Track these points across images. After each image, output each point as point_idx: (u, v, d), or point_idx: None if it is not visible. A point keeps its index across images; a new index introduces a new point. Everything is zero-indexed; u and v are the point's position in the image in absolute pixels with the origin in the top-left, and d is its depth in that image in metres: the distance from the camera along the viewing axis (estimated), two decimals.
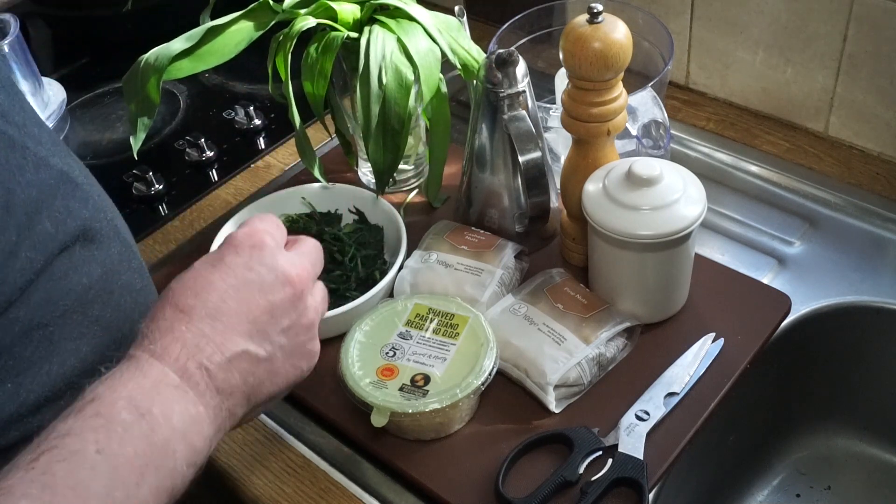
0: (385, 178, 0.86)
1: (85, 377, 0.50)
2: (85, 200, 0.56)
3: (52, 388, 0.51)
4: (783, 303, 0.82)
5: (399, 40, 0.82)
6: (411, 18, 0.84)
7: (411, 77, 0.81)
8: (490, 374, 0.73)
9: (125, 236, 0.60)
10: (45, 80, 1.22)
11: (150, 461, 0.48)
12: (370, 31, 0.82)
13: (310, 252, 0.61)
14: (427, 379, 0.73)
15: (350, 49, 0.85)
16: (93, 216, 0.55)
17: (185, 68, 0.83)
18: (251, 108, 1.15)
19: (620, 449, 0.71)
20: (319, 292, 0.62)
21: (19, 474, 0.45)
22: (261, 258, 0.57)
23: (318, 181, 0.93)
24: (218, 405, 0.53)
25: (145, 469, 0.48)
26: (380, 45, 0.81)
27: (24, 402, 0.50)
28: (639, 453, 0.70)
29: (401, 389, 0.72)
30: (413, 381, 0.73)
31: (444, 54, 0.85)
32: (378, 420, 0.71)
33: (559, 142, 0.93)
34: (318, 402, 0.79)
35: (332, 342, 0.80)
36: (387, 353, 0.75)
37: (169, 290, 0.55)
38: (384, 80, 0.81)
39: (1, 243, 0.49)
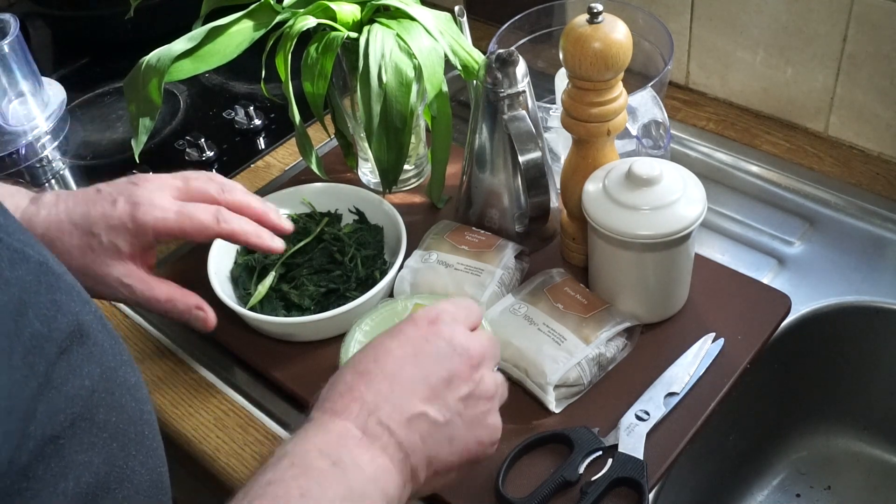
0: (390, 176, 0.86)
1: (101, 494, 0.47)
2: (69, 292, 0.49)
3: None
4: (783, 303, 0.82)
5: (399, 37, 0.82)
6: (412, 19, 0.84)
7: (411, 74, 0.82)
8: None
9: (109, 326, 0.54)
10: (45, 80, 1.22)
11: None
12: (369, 31, 0.82)
13: (488, 337, 0.62)
14: None
15: (350, 49, 0.85)
16: (81, 309, 0.49)
17: (187, 69, 0.83)
18: (251, 108, 1.15)
19: (620, 449, 0.71)
20: (498, 376, 0.62)
21: None
22: (438, 331, 0.59)
23: (317, 181, 0.93)
24: (402, 460, 0.54)
25: None
26: (379, 44, 0.82)
27: None
28: (639, 453, 0.70)
29: None
30: None
31: (444, 54, 0.85)
32: None
33: (559, 142, 0.93)
34: None
35: (333, 342, 0.80)
36: None
37: (350, 359, 0.58)
38: (384, 79, 0.81)
39: None
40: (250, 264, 0.87)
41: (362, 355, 0.58)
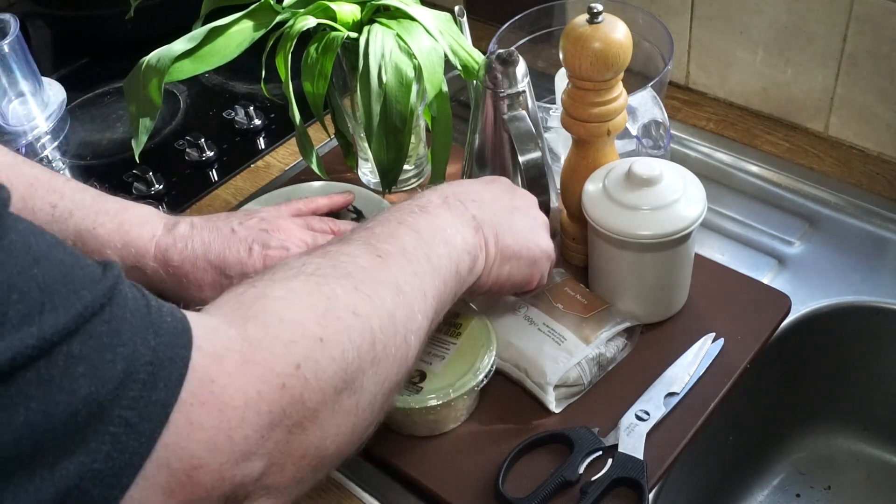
0: (390, 176, 0.86)
1: None
2: None
3: None
4: (783, 303, 0.82)
5: (399, 37, 0.83)
6: (412, 19, 0.84)
7: (411, 74, 0.82)
8: (486, 376, 0.73)
9: None
10: (45, 80, 1.22)
11: (438, 236, 0.62)
12: (369, 31, 0.82)
13: None
14: (423, 376, 0.73)
15: (350, 49, 0.85)
16: None
17: (187, 69, 0.83)
18: (251, 108, 1.15)
19: (620, 449, 0.71)
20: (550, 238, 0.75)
21: (351, 234, 0.61)
22: (500, 179, 0.75)
23: (318, 181, 0.92)
24: (476, 227, 0.66)
25: (436, 239, 0.62)
26: (379, 44, 0.82)
27: None
28: (639, 453, 0.70)
29: None
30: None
31: (444, 54, 0.85)
32: None
33: (559, 142, 0.93)
34: None
35: None
36: None
37: None
38: (384, 79, 0.81)
39: None
40: None
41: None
